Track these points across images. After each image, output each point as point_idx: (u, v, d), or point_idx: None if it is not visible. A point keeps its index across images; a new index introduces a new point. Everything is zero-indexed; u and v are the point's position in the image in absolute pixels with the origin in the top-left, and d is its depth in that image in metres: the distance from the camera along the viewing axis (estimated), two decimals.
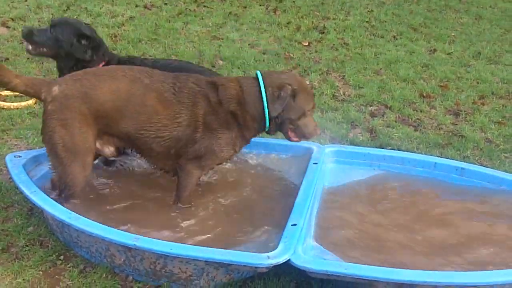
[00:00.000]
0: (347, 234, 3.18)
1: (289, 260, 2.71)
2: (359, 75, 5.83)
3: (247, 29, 7.00)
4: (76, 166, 3.09)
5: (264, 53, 6.31)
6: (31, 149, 3.76)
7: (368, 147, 4.16)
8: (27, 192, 3.12)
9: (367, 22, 7.66)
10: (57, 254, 3.08)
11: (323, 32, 7.13)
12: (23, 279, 2.90)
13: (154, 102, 3.14)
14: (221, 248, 2.85)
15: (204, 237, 3.09)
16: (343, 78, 5.77)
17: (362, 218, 3.33)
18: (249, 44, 6.53)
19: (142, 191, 3.46)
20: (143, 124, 3.13)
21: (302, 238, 2.87)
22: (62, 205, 3.04)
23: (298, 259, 2.71)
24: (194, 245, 2.92)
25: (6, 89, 3.33)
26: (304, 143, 3.90)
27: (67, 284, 2.89)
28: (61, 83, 3.15)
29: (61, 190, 3.15)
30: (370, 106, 5.14)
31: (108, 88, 3.12)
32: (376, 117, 4.93)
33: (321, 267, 2.69)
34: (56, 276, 2.94)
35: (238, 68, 5.80)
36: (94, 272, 2.95)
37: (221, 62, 5.95)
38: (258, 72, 3.28)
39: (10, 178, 3.42)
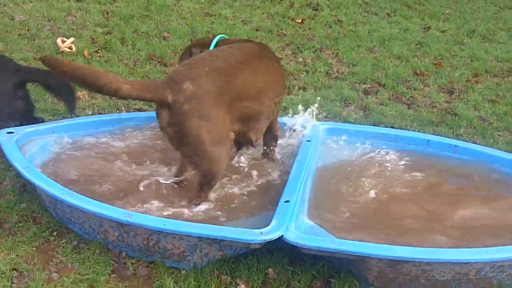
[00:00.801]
0: (340, 211, 3.19)
1: (282, 236, 2.72)
2: (353, 52, 5.81)
3: (240, 6, 6.94)
4: (224, 156, 3.07)
5: (257, 30, 6.27)
6: (23, 125, 3.73)
7: (361, 124, 4.16)
8: (19, 168, 3.10)
9: None
10: (50, 230, 3.08)
11: (317, 9, 7.08)
12: (17, 255, 2.89)
13: (281, 79, 3.39)
14: (214, 224, 2.87)
15: (197, 213, 3.08)
16: (336, 55, 5.75)
17: (355, 195, 3.34)
18: (242, 21, 6.48)
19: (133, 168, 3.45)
20: (271, 102, 3.27)
21: (295, 214, 2.87)
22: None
23: (291, 235, 2.72)
24: (188, 221, 2.92)
25: (116, 98, 3.02)
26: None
27: (61, 260, 2.89)
28: (193, 78, 2.94)
29: (205, 184, 3.08)
30: (364, 83, 5.13)
31: (248, 73, 3.11)
32: (369, 94, 4.92)
33: (314, 243, 2.70)
34: (50, 252, 2.94)
35: None
36: (88, 248, 2.95)
37: None
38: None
39: (3, 154, 3.40)
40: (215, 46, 3.41)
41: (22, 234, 3.04)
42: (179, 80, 2.94)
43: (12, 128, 3.53)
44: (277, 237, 2.71)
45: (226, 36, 3.60)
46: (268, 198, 3.24)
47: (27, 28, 5.83)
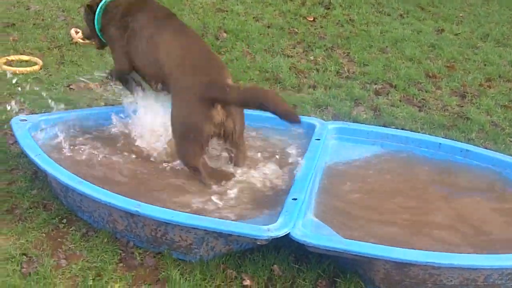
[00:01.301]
0: (347, 211, 3.19)
1: (288, 233, 2.73)
2: (364, 52, 5.80)
3: (252, 2, 6.94)
4: None
5: (268, 27, 6.27)
6: (35, 113, 3.76)
7: (371, 125, 4.15)
8: (31, 155, 3.13)
9: None
10: (60, 217, 3.11)
11: (329, 8, 7.07)
12: (26, 240, 2.93)
13: None
14: (222, 219, 2.88)
15: (206, 209, 3.09)
16: (348, 55, 5.74)
17: (364, 196, 3.34)
18: (253, 18, 6.49)
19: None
20: None
21: (302, 212, 2.88)
22: None
23: (298, 233, 2.73)
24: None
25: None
26: (306, 119, 3.93)
27: (69, 247, 2.92)
28: (217, 60, 3.49)
29: None
30: (375, 84, 5.13)
31: None
32: (380, 95, 4.91)
33: (321, 242, 2.70)
34: (59, 239, 2.98)
35: (242, 41, 5.78)
36: (96, 237, 2.98)
37: (225, 34, 5.91)
38: None
39: (16, 141, 3.43)
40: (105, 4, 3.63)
41: (32, 220, 3.07)
42: (219, 68, 3.31)
43: (25, 115, 3.58)
44: (284, 234, 2.72)
45: None
46: (275, 195, 3.26)
47: (41, 18, 5.87)
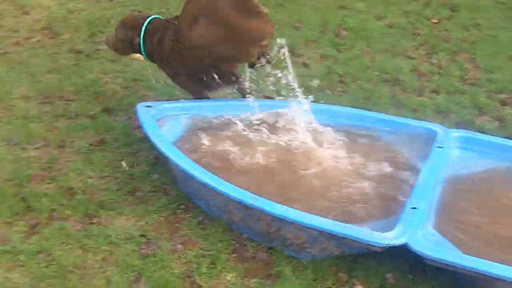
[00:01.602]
0: (468, 225, 3.02)
1: (405, 243, 2.64)
2: (491, 59, 5.46)
3: (374, 0, 6.78)
4: None
5: (390, 27, 6.09)
6: (159, 100, 3.90)
7: (496, 136, 3.91)
8: (155, 141, 3.25)
9: (502, 3, 7.12)
10: (178, 203, 3.21)
11: (454, 10, 6.74)
12: (146, 222, 3.06)
13: None
14: (338, 221, 2.83)
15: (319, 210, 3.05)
16: (473, 60, 5.43)
17: (486, 212, 3.14)
18: (375, 16, 6.32)
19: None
20: None
21: (421, 222, 2.78)
22: None
23: (416, 244, 2.63)
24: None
25: None
26: (427, 125, 3.76)
27: (186, 233, 3.01)
28: None
29: None
30: (501, 93, 4.82)
31: None
32: (507, 105, 4.61)
33: (440, 256, 2.58)
34: (176, 224, 3.08)
35: (362, 39, 5.66)
36: (211, 226, 3.05)
37: (345, 32, 5.82)
38: None
39: (139, 126, 3.57)
40: (148, 24, 3.75)
41: (153, 203, 3.20)
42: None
43: (150, 102, 3.71)
44: (401, 243, 2.64)
45: (160, 16, 3.86)
46: (390, 201, 3.16)
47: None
